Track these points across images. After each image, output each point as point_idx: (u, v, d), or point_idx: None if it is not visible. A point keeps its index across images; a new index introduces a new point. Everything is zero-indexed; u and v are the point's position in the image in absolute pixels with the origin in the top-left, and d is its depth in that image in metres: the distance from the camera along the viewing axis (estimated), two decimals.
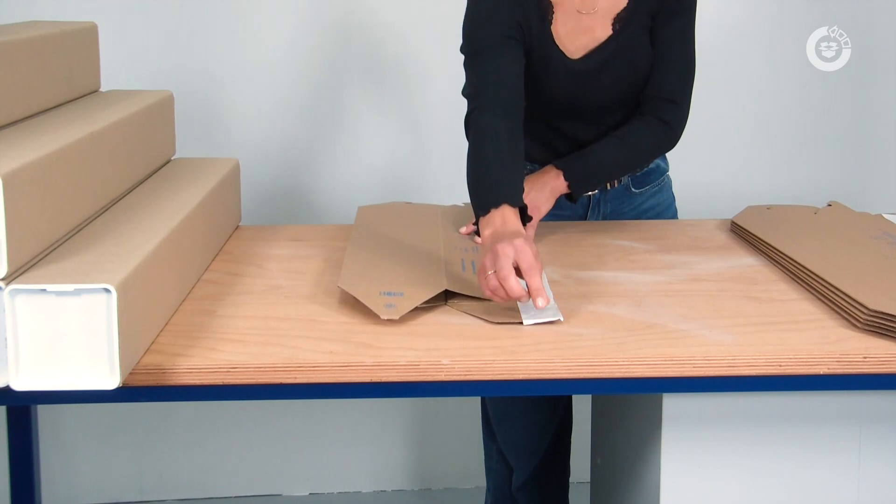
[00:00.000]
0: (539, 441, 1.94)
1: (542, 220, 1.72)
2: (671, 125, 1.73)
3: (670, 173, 1.94)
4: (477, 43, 1.64)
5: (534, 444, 1.95)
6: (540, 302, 1.30)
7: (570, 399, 1.99)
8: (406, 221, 1.75)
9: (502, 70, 1.62)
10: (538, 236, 1.73)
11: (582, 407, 2.01)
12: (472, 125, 1.61)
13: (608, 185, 1.85)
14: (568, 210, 1.85)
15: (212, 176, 1.69)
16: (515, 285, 1.30)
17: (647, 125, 1.73)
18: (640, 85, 1.73)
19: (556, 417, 1.95)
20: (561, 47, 1.69)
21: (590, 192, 1.83)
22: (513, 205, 1.46)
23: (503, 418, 1.98)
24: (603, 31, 1.69)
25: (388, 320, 1.32)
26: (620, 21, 1.69)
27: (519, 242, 1.34)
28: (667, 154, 1.92)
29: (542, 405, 1.94)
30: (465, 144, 1.68)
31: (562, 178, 1.68)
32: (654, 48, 1.70)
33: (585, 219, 1.88)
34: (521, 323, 1.33)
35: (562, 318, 1.35)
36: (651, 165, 1.88)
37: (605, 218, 1.89)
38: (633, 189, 1.88)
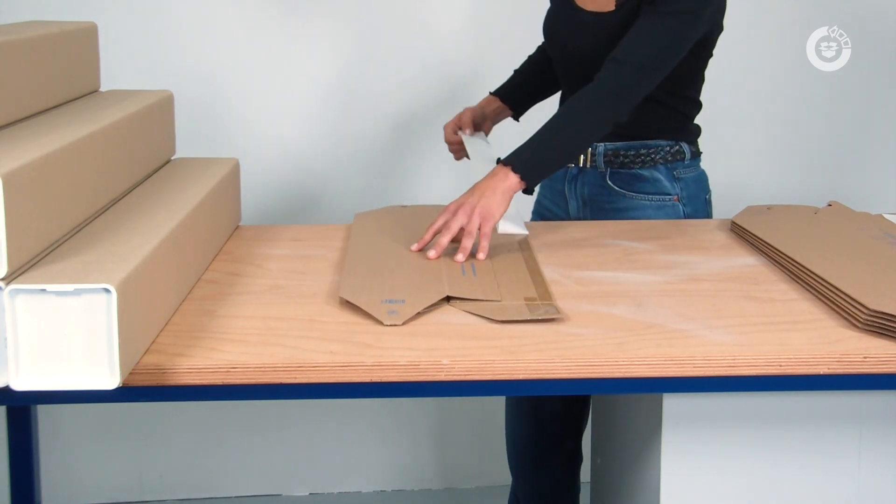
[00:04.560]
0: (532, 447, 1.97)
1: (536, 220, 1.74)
2: (602, 79, 1.68)
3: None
4: None
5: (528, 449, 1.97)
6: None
7: (577, 409, 1.99)
8: (403, 226, 1.75)
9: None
10: (537, 236, 1.73)
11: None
12: None
13: (579, 164, 1.89)
14: (559, 183, 1.93)
15: (212, 176, 1.69)
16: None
17: (580, 90, 1.70)
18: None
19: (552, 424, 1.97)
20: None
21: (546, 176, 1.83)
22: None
23: (508, 415, 2.01)
24: (608, 5, 1.79)
25: None
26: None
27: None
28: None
29: (540, 408, 1.95)
30: None
31: (511, 173, 1.62)
32: None
33: (564, 193, 1.94)
34: (523, 321, 1.33)
35: (527, 232, 1.67)
36: (645, 173, 1.87)
37: (584, 202, 1.91)
38: (609, 181, 1.88)
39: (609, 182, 1.88)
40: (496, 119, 2.04)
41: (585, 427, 2.00)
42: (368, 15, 2.49)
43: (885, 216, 1.80)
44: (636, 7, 1.73)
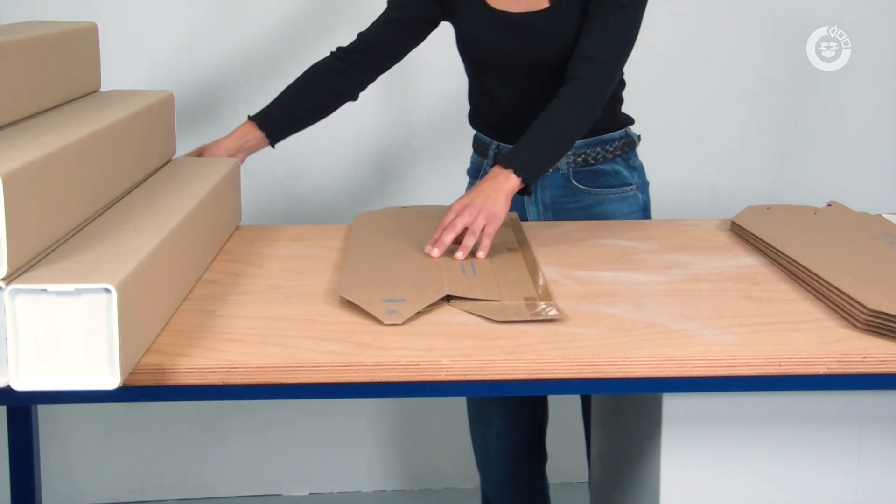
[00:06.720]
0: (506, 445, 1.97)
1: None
2: (582, 78, 1.69)
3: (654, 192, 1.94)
4: None
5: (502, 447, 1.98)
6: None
7: (540, 412, 2.00)
8: (403, 226, 1.75)
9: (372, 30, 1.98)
10: (537, 236, 1.73)
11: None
12: None
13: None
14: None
15: (212, 176, 1.69)
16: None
17: (562, 90, 1.70)
18: (554, 60, 1.74)
19: (523, 425, 1.97)
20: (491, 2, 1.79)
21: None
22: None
23: (476, 419, 2.01)
24: (539, 3, 1.76)
25: None
26: None
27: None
28: (640, 157, 1.93)
29: (512, 410, 1.95)
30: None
31: (512, 174, 1.62)
32: (585, 20, 1.72)
33: (522, 201, 1.89)
34: (523, 321, 1.33)
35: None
36: (606, 168, 1.87)
37: (545, 207, 1.90)
38: (573, 182, 1.88)
39: (574, 182, 1.88)
40: (254, 149, 1.92)
41: (547, 427, 2.02)
42: (369, 18, 2.49)
43: (885, 216, 1.80)
44: (575, 3, 1.72)
